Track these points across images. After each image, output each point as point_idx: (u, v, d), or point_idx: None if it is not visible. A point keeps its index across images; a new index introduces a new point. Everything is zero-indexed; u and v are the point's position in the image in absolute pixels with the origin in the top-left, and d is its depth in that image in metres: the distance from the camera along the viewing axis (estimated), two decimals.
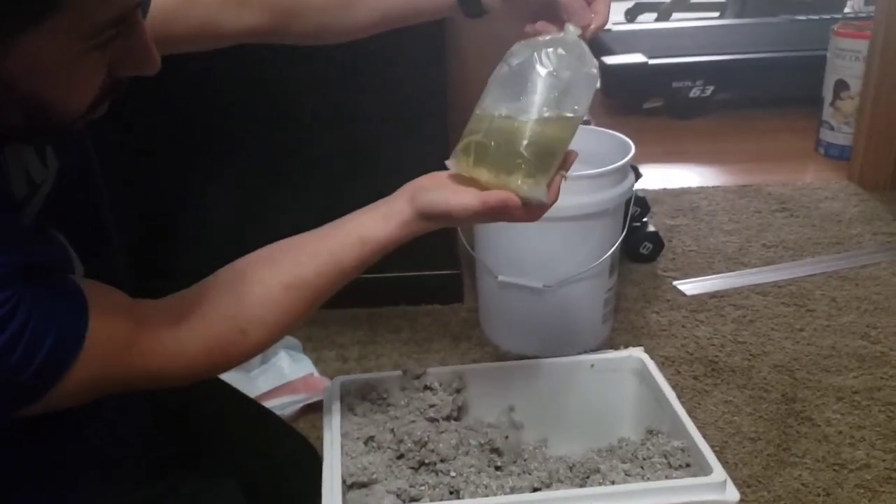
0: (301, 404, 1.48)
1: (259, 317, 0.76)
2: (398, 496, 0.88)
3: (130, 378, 0.69)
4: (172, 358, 0.71)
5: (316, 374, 1.54)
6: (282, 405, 1.46)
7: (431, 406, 1.00)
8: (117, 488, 0.78)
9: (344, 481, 0.87)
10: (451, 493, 0.91)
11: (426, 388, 1.02)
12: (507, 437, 1.02)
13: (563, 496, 0.87)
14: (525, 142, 0.75)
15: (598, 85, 0.75)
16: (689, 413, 0.95)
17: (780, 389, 1.52)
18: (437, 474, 0.93)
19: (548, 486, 0.94)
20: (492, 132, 0.76)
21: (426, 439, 0.94)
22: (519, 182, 0.75)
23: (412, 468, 0.94)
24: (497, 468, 0.98)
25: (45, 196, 0.73)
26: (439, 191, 0.78)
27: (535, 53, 0.77)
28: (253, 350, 0.78)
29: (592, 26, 0.81)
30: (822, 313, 1.76)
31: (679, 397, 0.98)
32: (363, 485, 0.89)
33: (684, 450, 0.95)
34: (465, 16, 0.89)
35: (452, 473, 0.93)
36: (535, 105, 0.76)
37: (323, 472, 0.87)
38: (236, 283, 0.76)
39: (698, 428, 0.94)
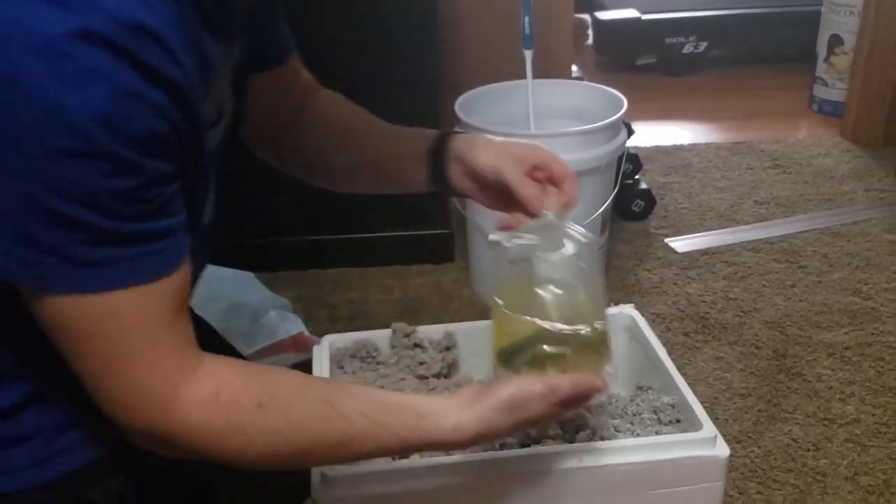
0: (291, 363, 1.48)
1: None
2: None
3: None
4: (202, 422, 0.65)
5: (306, 332, 1.53)
6: (271, 364, 1.46)
7: (421, 364, 0.99)
8: None
9: None
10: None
11: (416, 345, 1.02)
12: None
13: (552, 452, 0.87)
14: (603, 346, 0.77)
15: (591, 240, 0.77)
16: (680, 370, 0.95)
17: (770, 346, 1.52)
18: None
19: (537, 443, 0.94)
20: (551, 341, 0.75)
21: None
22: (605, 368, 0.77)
23: None
24: None
25: (222, 131, 0.73)
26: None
27: (535, 268, 0.76)
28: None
29: (565, 205, 0.79)
30: (814, 270, 1.76)
31: (670, 354, 0.98)
32: None
33: (674, 406, 0.95)
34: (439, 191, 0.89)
35: None
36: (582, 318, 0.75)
37: None
38: (332, 413, 0.69)
39: (689, 384, 0.94)
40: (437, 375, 1.01)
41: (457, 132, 0.87)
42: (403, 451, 0.77)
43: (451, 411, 0.71)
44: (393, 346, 1.03)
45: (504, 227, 0.80)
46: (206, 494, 0.83)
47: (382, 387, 0.96)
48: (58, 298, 0.58)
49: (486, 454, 0.87)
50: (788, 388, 1.41)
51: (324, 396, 0.69)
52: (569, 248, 0.76)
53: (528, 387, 0.71)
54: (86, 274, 0.57)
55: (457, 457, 0.86)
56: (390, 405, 0.71)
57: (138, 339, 0.61)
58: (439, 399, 0.74)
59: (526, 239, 0.77)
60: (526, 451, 0.88)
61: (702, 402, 0.92)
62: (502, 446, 0.90)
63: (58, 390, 0.68)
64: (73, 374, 0.62)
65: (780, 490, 1.19)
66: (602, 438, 0.91)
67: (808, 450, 1.27)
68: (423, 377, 0.99)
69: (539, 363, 0.75)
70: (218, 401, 0.64)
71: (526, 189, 0.79)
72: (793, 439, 1.29)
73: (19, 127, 0.52)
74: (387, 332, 1.04)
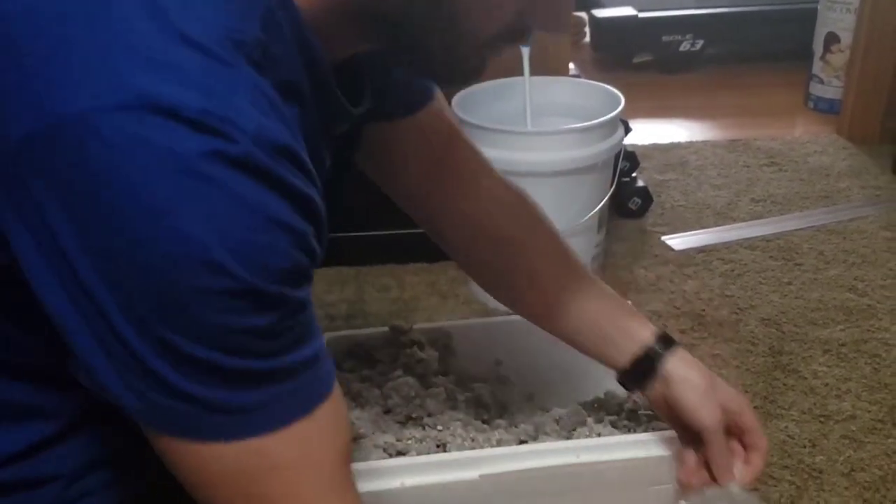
0: None
1: None
2: (385, 450, 0.88)
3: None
4: None
5: None
6: None
7: (419, 362, 1.00)
8: None
9: None
10: (438, 446, 0.91)
11: (413, 343, 1.02)
12: (493, 392, 1.03)
13: (549, 448, 0.87)
14: None
15: None
16: None
17: (766, 342, 1.52)
18: (423, 428, 0.93)
19: (534, 439, 0.94)
20: None
21: (413, 394, 0.95)
22: None
23: (399, 423, 0.94)
24: (484, 422, 0.98)
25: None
26: None
27: None
28: None
29: (749, 479, 0.79)
30: (810, 267, 1.76)
31: None
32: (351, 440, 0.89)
33: None
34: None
35: (439, 427, 0.93)
36: None
37: None
38: None
39: None
40: (436, 374, 1.01)
41: (674, 345, 0.81)
42: None
43: None
44: (390, 345, 1.03)
45: (687, 483, 0.80)
46: None
47: (381, 385, 0.96)
48: (209, 446, 0.51)
49: (484, 451, 0.87)
50: (784, 384, 1.41)
51: None
52: None
53: None
54: (229, 420, 0.50)
55: (455, 454, 0.87)
56: None
57: (304, 491, 0.55)
58: None
59: None
60: (524, 447, 0.89)
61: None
62: (499, 443, 0.91)
63: (81, 430, 0.63)
64: (99, 411, 0.56)
65: (776, 487, 1.19)
66: (599, 435, 0.92)
67: (805, 446, 1.27)
68: (420, 375, 0.99)
69: None
70: None
71: (721, 456, 0.78)
72: (789, 436, 1.29)
73: (151, 263, 0.45)
74: (383, 330, 1.04)
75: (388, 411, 0.94)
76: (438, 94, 0.83)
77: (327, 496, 0.56)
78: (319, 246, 0.52)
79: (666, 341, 0.81)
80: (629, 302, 0.82)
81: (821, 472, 1.22)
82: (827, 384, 1.41)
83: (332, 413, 0.55)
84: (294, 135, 0.50)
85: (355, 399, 0.94)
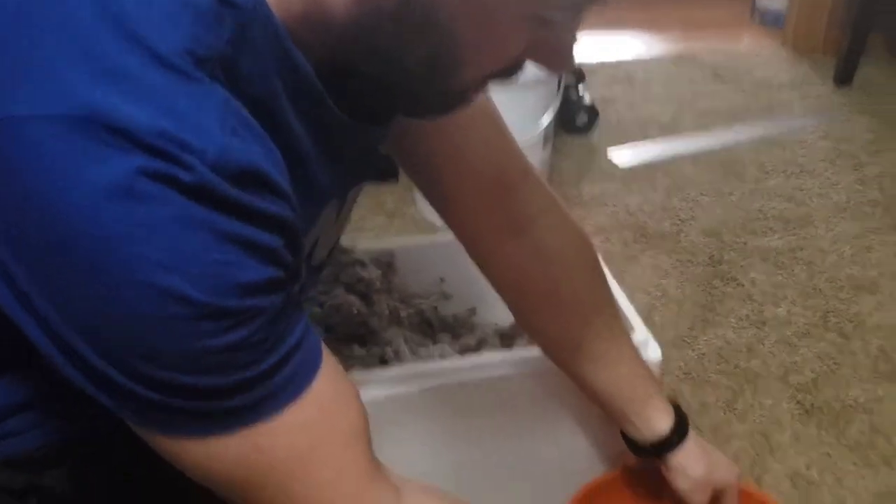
0: None
1: None
2: None
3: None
4: None
5: None
6: None
7: (360, 281, 1.00)
8: None
9: None
10: (381, 362, 0.92)
11: (355, 263, 1.02)
12: (436, 308, 1.04)
13: (491, 360, 0.89)
14: None
15: None
16: (618, 278, 0.97)
17: (706, 252, 1.56)
18: (366, 346, 0.94)
19: (476, 352, 0.96)
20: None
21: (355, 312, 0.95)
22: None
23: (341, 341, 0.95)
24: (427, 337, 0.99)
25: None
26: None
27: None
28: None
29: None
30: (751, 178, 1.79)
31: (609, 264, 0.99)
32: None
33: None
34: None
35: (382, 344, 0.94)
36: None
37: None
38: None
39: (627, 293, 0.96)
40: (378, 292, 1.02)
41: (685, 437, 0.83)
42: None
43: None
44: (332, 265, 1.03)
45: None
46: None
47: (322, 303, 0.97)
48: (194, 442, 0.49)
49: (427, 364, 0.89)
50: (723, 293, 1.45)
51: None
52: None
53: None
54: (219, 417, 0.48)
55: (396, 368, 0.88)
56: None
57: (315, 471, 0.52)
58: None
59: None
60: (466, 360, 0.90)
61: (639, 310, 0.95)
62: (441, 357, 0.92)
63: (4, 373, 0.60)
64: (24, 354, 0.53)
65: (713, 391, 1.24)
66: None
67: (741, 351, 1.32)
68: (362, 294, 1.00)
69: None
70: None
71: None
72: (726, 342, 1.34)
73: (102, 296, 0.42)
74: None
75: (329, 330, 0.95)
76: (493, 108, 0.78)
77: (343, 480, 0.53)
78: (294, 255, 0.49)
79: (680, 433, 0.83)
80: (653, 374, 0.85)
81: (756, 375, 1.27)
82: (764, 291, 1.45)
83: (328, 390, 0.52)
84: (266, 153, 0.47)
85: None
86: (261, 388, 0.48)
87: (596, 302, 0.81)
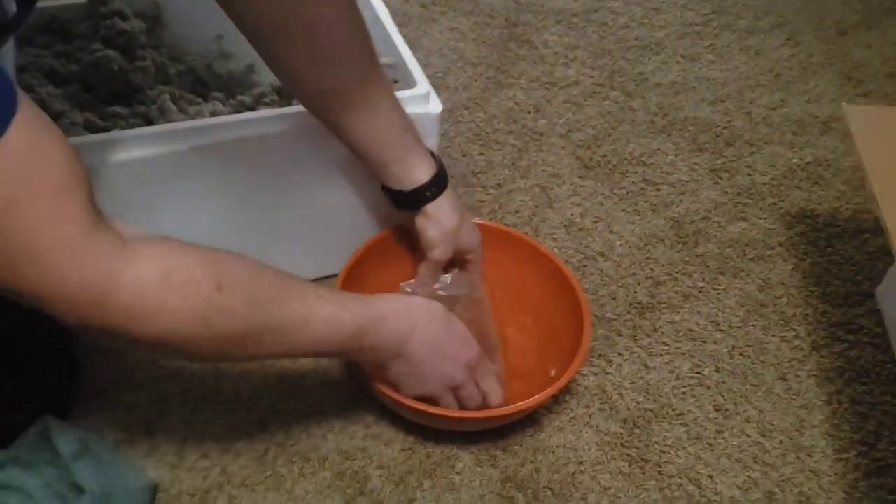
0: None
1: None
2: (86, 128, 0.83)
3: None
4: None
5: None
6: None
7: (121, 34, 0.93)
8: None
9: None
10: (146, 123, 0.88)
11: (115, 14, 0.94)
12: (210, 65, 0.99)
13: (265, 116, 0.86)
14: None
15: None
16: (416, 42, 0.95)
17: (503, 15, 1.55)
18: (130, 105, 0.89)
19: (253, 110, 0.93)
20: None
21: (116, 69, 0.89)
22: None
23: (103, 100, 0.89)
24: (200, 96, 0.95)
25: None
26: None
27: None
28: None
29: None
30: None
31: (406, 26, 0.96)
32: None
33: (393, 66, 0.96)
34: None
35: (147, 103, 0.89)
36: None
37: None
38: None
39: (424, 55, 0.94)
40: (143, 47, 0.95)
41: (444, 190, 0.86)
42: (358, 338, 0.72)
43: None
44: (89, 18, 0.94)
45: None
46: None
47: (80, 60, 0.89)
48: None
49: (191, 122, 0.84)
50: (517, 55, 1.46)
51: (278, 279, 0.67)
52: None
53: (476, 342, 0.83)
54: None
55: (158, 127, 0.83)
56: (343, 293, 0.75)
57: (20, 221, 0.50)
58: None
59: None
60: (233, 117, 0.86)
61: (435, 73, 0.93)
62: (213, 115, 0.89)
63: None
64: None
65: (500, 150, 1.27)
66: None
67: (529, 112, 1.35)
68: (125, 49, 0.93)
69: None
70: (171, 282, 0.58)
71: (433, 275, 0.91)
72: (516, 103, 1.36)
73: None
74: (81, 1, 0.95)
75: (89, 89, 0.89)
76: None
77: (56, 231, 0.51)
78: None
79: (439, 185, 0.85)
80: (414, 126, 0.84)
81: (541, 134, 1.31)
82: (556, 53, 1.48)
83: (25, 140, 0.50)
84: None
85: (50, 76, 0.88)
86: None
87: (354, 50, 0.78)
